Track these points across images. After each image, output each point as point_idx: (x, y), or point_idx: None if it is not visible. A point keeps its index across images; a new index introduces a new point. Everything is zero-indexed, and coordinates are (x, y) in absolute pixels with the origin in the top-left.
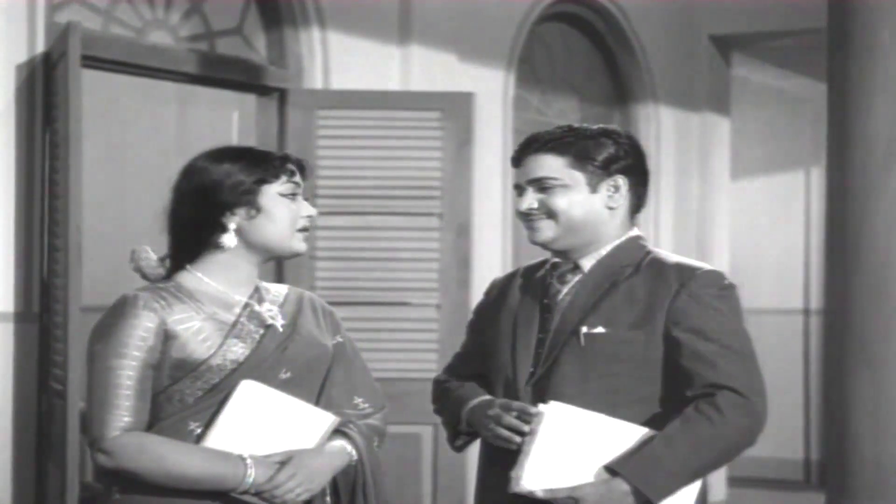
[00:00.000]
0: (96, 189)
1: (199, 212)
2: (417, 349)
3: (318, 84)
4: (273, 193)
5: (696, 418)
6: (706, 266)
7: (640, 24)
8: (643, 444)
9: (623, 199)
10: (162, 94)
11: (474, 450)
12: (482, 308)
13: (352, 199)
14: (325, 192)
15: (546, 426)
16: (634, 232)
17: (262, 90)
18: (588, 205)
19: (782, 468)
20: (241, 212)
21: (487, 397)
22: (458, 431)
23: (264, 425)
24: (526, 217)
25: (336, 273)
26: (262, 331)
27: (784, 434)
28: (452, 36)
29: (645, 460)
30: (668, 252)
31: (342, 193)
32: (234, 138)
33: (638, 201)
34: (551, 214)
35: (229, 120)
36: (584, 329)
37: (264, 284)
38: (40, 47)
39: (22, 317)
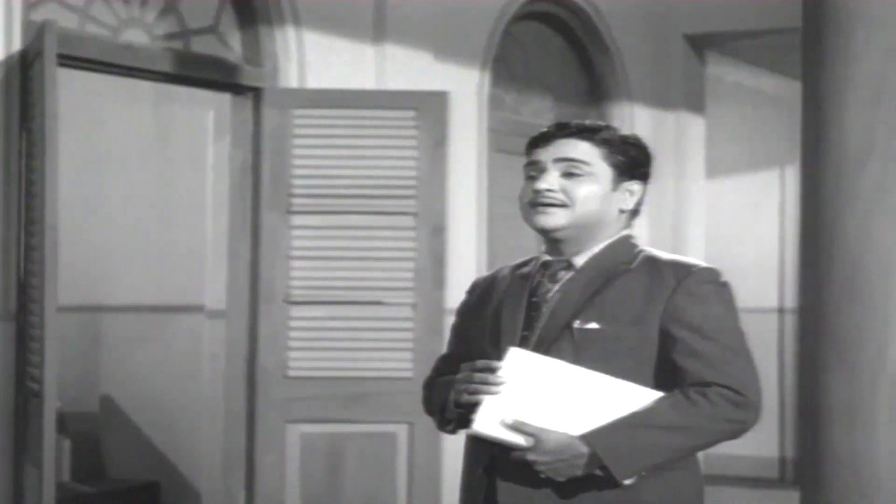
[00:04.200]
0: (73, 188)
1: None
2: (393, 348)
3: (293, 83)
4: None
5: (684, 403)
6: (702, 263)
7: (615, 24)
8: (621, 420)
9: (633, 204)
10: (138, 93)
11: (450, 448)
12: (465, 308)
13: (327, 199)
14: (300, 192)
15: (505, 371)
16: (626, 231)
17: (238, 89)
18: (606, 201)
19: (757, 466)
20: None
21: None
22: (448, 418)
23: None
24: (539, 197)
25: (311, 272)
26: None
27: (759, 432)
28: (427, 35)
29: (620, 438)
30: (659, 250)
31: (317, 193)
32: (209, 138)
33: (638, 209)
34: (568, 202)
35: (205, 119)
36: (577, 324)
37: None
38: (16, 46)
39: None
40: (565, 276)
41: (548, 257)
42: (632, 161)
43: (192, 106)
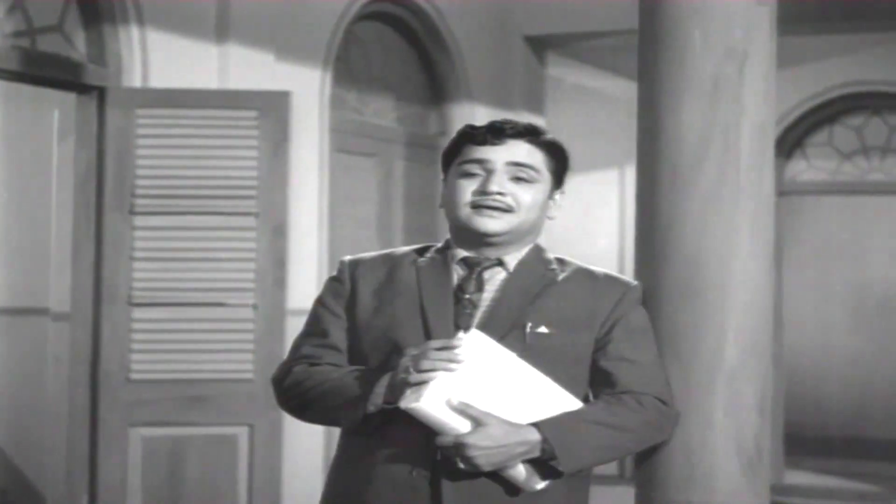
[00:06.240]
0: None
1: None
2: (233, 350)
3: (137, 82)
4: None
5: (619, 406)
6: (633, 280)
7: (456, 24)
8: (570, 413)
9: (557, 213)
10: None
11: (290, 450)
12: (346, 291)
13: (169, 199)
14: (142, 192)
15: (462, 352)
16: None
17: (82, 88)
18: (542, 209)
19: None
20: None
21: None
22: (369, 405)
23: None
24: (488, 199)
25: (154, 274)
26: None
27: None
28: (269, 34)
29: (570, 430)
30: (572, 258)
31: (160, 193)
32: (54, 137)
33: None
34: (514, 207)
35: (50, 118)
36: (530, 327)
37: None
38: None
39: None
40: (496, 275)
41: (465, 253)
42: (562, 168)
43: (36, 105)
